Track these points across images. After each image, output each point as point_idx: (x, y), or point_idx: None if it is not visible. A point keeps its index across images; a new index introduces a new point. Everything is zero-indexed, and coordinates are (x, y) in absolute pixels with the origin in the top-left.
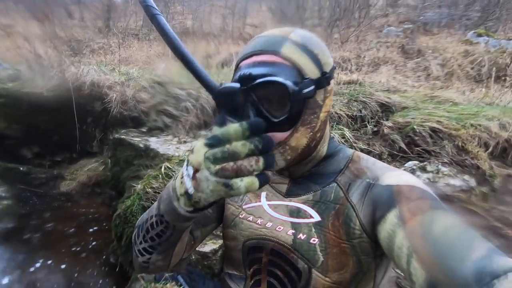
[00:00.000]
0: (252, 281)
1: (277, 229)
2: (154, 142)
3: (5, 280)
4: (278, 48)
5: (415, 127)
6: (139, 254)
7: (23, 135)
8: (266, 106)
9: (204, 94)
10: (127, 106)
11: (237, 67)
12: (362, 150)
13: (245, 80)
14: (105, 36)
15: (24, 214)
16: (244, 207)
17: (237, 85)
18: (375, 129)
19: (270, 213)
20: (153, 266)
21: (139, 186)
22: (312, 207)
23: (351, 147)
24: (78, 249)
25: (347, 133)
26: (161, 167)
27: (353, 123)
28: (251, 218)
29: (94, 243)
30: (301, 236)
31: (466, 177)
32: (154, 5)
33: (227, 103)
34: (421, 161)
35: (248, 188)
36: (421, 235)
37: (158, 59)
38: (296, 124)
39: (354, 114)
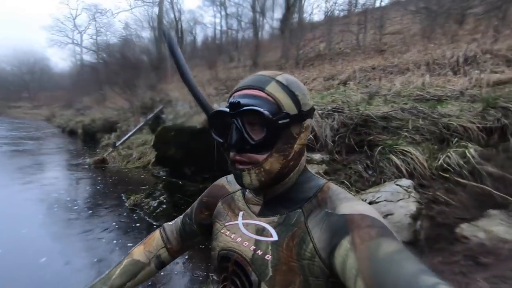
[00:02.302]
0: (221, 286)
1: (243, 244)
2: None
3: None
4: (264, 86)
5: None
6: None
7: (184, 158)
8: (248, 130)
9: None
10: None
11: (231, 96)
12: (490, 175)
13: (234, 106)
14: (250, 71)
15: (176, 216)
16: (225, 224)
17: (226, 109)
18: None
19: (242, 230)
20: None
21: None
22: (274, 228)
23: (473, 169)
24: (202, 246)
25: (470, 151)
26: None
27: (486, 138)
28: (227, 232)
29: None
30: (259, 252)
31: None
32: (175, 39)
33: (217, 123)
34: None
35: None
36: (367, 258)
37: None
38: (272, 150)
39: (489, 125)
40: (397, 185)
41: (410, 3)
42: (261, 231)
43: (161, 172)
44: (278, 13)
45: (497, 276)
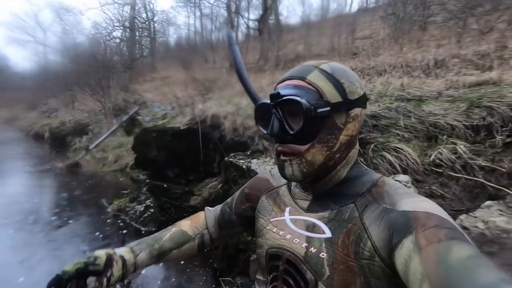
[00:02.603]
0: (270, 287)
1: (294, 241)
2: (254, 164)
3: (143, 271)
4: (305, 75)
5: None
6: None
7: (167, 159)
8: (289, 121)
9: None
10: (237, 133)
11: (275, 88)
12: (482, 168)
13: (274, 97)
14: (229, 73)
15: (164, 221)
16: (271, 220)
17: (268, 101)
18: (508, 140)
19: (291, 226)
20: None
21: None
22: (326, 224)
23: (465, 164)
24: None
25: (461, 148)
26: None
27: (473, 135)
28: (275, 229)
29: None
30: (312, 249)
31: None
32: (234, 38)
33: (263, 116)
34: None
35: None
36: (435, 262)
37: (268, 87)
38: (313, 140)
39: (475, 123)
40: (396, 180)
41: (378, 10)
42: (311, 227)
43: (140, 176)
44: (253, 15)
45: (504, 264)
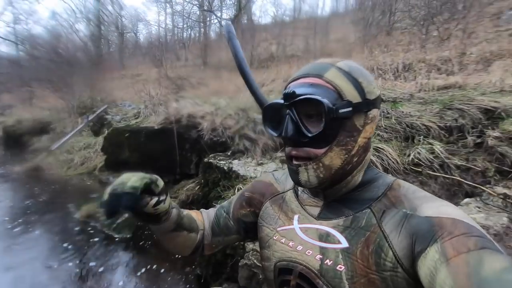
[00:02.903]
0: None
1: (306, 253)
2: (236, 165)
3: (120, 282)
4: (322, 73)
5: None
6: None
7: (141, 161)
8: (305, 122)
9: None
10: (216, 133)
11: (286, 87)
12: (458, 167)
13: (289, 97)
14: (202, 71)
15: (140, 226)
16: (278, 229)
17: (281, 101)
18: (478, 141)
19: (301, 236)
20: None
21: None
22: (341, 232)
23: (443, 163)
24: (176, 257)
25: (437, 148)
26: (235, 188)
27: (447, 135)
28: (283, 240)
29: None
30: (328, 261)
31: None
32: (234, 32)
33: (272, 117)
34: None
35: None
36: (467, 275)
37: (244, 87)
38: (332, 143)
39: (448, 124)
40: None
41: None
42: (325, 236)
43: (110, 178)
44: (226, 14)
45: None
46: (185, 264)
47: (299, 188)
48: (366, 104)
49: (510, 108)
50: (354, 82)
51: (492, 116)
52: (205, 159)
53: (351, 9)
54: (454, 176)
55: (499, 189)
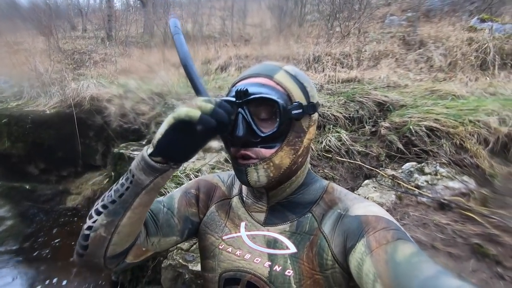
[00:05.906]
0: None
1: (254, 261)
2: None
3: None
4: (272, 74)
5: (411, 127)
6: (88, 218)
7: (28, 153)
8: (256, 122)
9: None
10: (127, 119)
11: (233, 85)
12: (359, 153)
13: (241, 95)
14: (106, 46)
15: (32, 233)
16: (224, 238)
17: (233, 99)
18: (373, 129)
19: (249, 244)
20: (92, 243)
21: None
22: (289, 238)
23: (348, 150)
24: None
25: (344, 135)
26: None
27: (351, 125)
28: (230, 249)
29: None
30: (277, 267)
31: (466, 178)
32: (179, 26)
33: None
34: (419, 162)
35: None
36: (385, 262)
37: (158, 66)
38: (282, 143)
39: (351, 115)
40: None
41: None
42: (273, 243)
43: None
44: None
45: None
46: (94, 273)
47: (244, 193)
48: (312, 107)
49: (395, 102)
50: (300, 86)
51: (383, 108)
52: (115, 149)
53: None
54: (356, 161)
55: (389, 171)
